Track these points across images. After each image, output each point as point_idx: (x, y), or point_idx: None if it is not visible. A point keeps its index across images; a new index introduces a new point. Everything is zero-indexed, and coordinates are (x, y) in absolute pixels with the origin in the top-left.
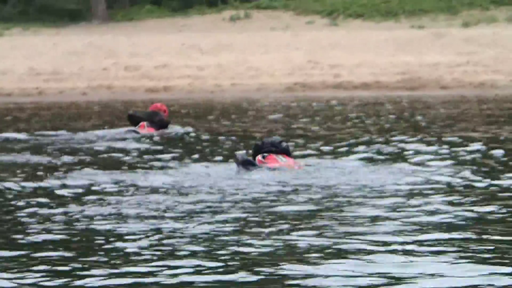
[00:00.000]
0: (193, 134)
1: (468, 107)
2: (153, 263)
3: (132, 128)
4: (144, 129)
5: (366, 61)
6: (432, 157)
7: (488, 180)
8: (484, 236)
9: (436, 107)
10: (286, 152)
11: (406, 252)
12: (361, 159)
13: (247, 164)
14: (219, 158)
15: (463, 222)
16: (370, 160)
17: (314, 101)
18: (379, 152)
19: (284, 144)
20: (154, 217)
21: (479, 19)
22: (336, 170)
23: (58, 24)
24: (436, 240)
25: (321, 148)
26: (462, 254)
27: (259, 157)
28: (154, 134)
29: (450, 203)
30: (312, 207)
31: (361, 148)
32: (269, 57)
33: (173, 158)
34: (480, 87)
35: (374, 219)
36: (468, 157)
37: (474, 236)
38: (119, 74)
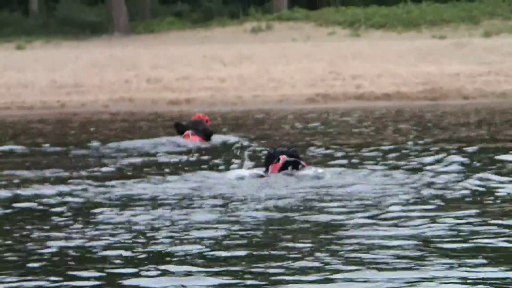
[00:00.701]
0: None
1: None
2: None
3: (173, 138)
4: (189, 137)
5: (388, 71)
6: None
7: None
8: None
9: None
10: (297, 158)
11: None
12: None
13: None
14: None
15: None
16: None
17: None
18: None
19: (292, 150)
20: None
21: (500, 28)
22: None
23: (79, 36)
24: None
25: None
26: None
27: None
28: (198, 143)
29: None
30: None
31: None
32: (290, 68)
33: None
34: (502, 96)
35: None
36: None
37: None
38: (141, 86)
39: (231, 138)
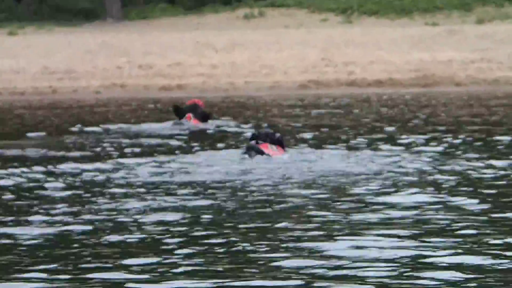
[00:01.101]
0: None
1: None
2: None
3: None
4: (191, 120)
5: (380, 58)
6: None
7: None
8: None
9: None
10: (279, 143)
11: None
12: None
13: (253, 151)
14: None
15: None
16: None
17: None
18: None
19: (277, 135)
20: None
21: (493, 15)
22: (317, 159)
23: (72, 23)
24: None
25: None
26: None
27: (252, 142)
28: (199, 126)
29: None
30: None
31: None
32: (282, 55)
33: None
34: (494, 83)
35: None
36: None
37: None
38: (133, 73)
39: (228, 122)
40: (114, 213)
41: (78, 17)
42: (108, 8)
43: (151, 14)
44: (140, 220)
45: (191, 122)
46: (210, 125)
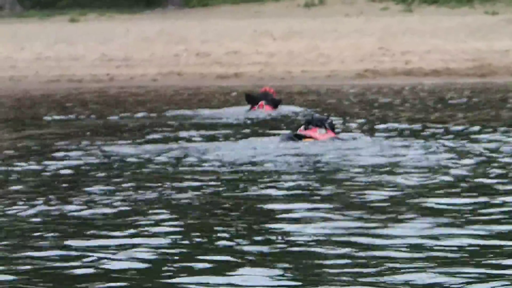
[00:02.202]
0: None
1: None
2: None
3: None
4: (263, 107)
5: (437, 47)
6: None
7: None
8: None
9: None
10: (330, 127)
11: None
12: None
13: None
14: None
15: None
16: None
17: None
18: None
19: (328, 120)
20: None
21: None
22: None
23: (133, 10)
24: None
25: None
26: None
27: (302, 128)
28: (271, 113)
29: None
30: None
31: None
32: (340, 44)
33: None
34: None
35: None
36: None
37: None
38: (190, 61)
39: (297, 109)
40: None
41: (139, 4)
42: None
43: (212, 2)
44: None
45: (264, 109)
46: (281, 111)
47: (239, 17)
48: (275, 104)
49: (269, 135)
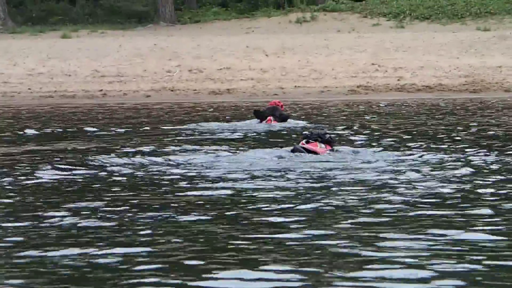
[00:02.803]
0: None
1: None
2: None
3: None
4: (271, 122)
5: (430, 63)
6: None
7: None
8: None
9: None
10: (328, 142)
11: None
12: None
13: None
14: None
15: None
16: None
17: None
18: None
19: (327, 136)
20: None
21: None
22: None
23: (125, 26)
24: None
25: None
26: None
27: (303, 141)
28: (277, 126)
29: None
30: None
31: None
32: (332, 60)
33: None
34: None
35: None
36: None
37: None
38: (183, 76)
39: (305, 123)
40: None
41: (131, 20)
42: (161, 12)
43: (204, 18)
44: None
45: (272, 124)
46: (289, 125)
47: (232, 33)
48: (282, 119)
49: (270, 147)
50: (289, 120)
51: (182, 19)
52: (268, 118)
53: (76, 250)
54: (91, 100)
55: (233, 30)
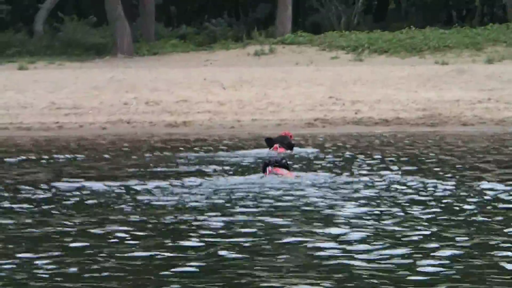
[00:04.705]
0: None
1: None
2: None
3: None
4: (277, 149)
5: (387, 97)
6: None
7: None
8: None
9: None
10: (286, 167)
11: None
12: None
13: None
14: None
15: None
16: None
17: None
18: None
19: (283, 161)
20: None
21: (503, 55)
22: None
23: (83, 58)
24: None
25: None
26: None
27: (269, 168)
28: (282, 154)
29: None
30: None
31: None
32: (290, 92)
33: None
34: (501, 123)
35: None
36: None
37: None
38: (140, 109)
39: (308, 150)
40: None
41: (89, 52)
42: (119, 44)
43: (162, 50)
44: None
45: (278, 151)
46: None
47: (190, 66)
48: (289, 147)
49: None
50: (294, 148)
51: (140, 51)
52: (275, 145)
53: None
54: (47, 132)
55: (191, 63)
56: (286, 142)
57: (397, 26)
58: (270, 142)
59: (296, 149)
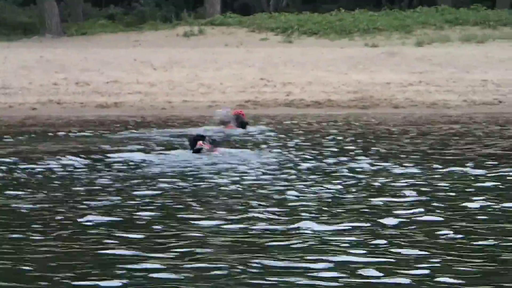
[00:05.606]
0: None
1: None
2: None
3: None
4: (233, 128)
5: (318, 79)
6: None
7: None
8: None
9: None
10: (216, 144)
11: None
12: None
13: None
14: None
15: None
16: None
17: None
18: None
19: (212, 138)
20: None
21: (432, 38)
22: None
23: (11, 37)
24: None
25: None
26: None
27: (200, 142)
28: (234, 132)
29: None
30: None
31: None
32: (221, 74)
33: None
34: (432, 106)
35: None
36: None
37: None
38: (70, 89)
39: (259, 128)
40: None
41: (16, 32)
42: (47, 23)
43: (91, 30)
44: None
45: (230, 129)
46: (245, 131)
47: (119, 46)
48: (242, 125)
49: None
50: (247, 126)
51: (68, 31)
52: (229, 124)
53: None
54: None
55: (120, 43)
56: (239, 120)
57: (327, 8)
58: (223, 121)
59: (250, 128)
